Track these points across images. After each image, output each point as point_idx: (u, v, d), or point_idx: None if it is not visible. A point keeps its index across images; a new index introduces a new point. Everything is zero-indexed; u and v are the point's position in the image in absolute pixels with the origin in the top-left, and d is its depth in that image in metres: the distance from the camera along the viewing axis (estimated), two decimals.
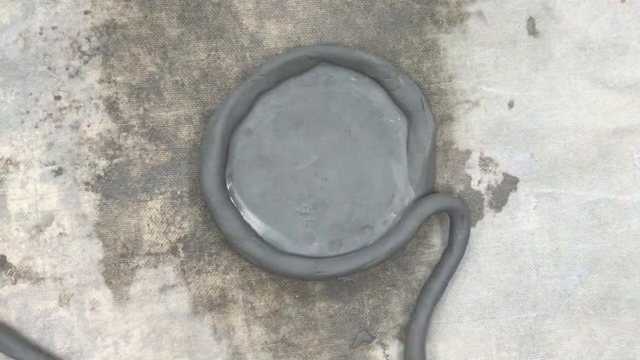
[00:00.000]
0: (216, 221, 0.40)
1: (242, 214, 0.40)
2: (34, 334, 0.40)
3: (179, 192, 0.41)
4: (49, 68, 0.40)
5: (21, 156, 0.41)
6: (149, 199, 0.41)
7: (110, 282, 0.41)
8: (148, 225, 0.41)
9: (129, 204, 0.41)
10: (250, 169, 0.40)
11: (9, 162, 0.41)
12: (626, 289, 0.42)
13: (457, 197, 0.41)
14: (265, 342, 0.41)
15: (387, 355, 0.42)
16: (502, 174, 0.42)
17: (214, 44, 0.41)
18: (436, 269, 0.41)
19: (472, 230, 0.42)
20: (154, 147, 0.41)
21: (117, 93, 0.41)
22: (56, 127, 0.41)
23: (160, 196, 0.41)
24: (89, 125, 0.41)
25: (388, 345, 0.42)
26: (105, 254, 0.41)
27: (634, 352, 0.42)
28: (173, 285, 0.41)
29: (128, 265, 0.41)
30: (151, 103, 0.41)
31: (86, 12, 0.40)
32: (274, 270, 0.40)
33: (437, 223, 0.42)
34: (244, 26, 0.41)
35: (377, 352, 0.42)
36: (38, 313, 0.40)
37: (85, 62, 0.41)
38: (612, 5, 0.42)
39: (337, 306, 0.42)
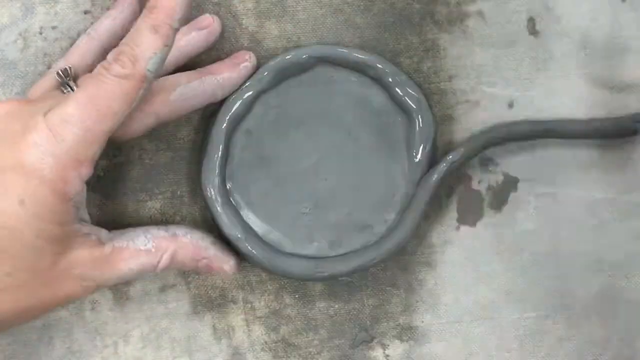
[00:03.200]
0: (216, 221, 0.40)
1: (242, 214, 0.40)
2: (33, 334, 0.40)
3: (178, 192, 0.41)
4: (49, 68, 0.40)
5: None
6: (148, 199, 0.41)
7: None
8: (148, 225, 0.41)
9: (129, 204, 0.41)
10: (250, 169, 0.40)
11: None
12: (626, 289, 0.42)
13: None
14: (265, 342, 0.41)
15: (387, 355, 0.42)
16: (502, 174, 0.42)
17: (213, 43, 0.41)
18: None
19: (473, 230, 0.42)
20: (154, 147, 0.41)
21: None
22: None
23: (160, 196, 0.41)
24: None
25: (388, 345, 0.42)
26: None
27: (634, 352, 0.42)
28: (173, 285, 0.41)
29: None
30: None
31: (86, 12, 0.40)
32: (274, 270, 0.40)
33: (437, 222, 0.42)
34: (243, 26, 0.41)
35: (377, 352, 0.42)
36: None
37: None
38: (612, 5, 0.42)
39: (337, 306, 0.42)
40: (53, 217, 0.33)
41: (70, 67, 0.36)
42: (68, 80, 0.36)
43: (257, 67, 0.40)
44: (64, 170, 0.32)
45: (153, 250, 0.36)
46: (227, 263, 0.39)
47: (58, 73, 0.36)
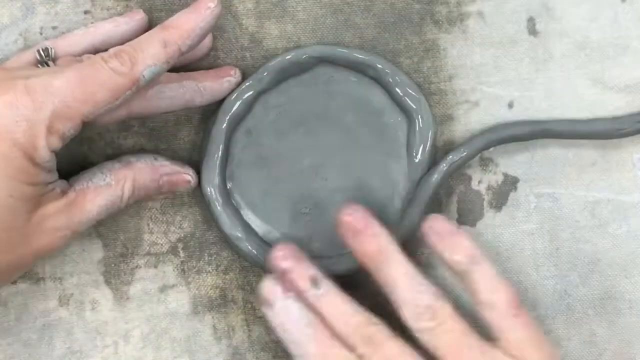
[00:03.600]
0: (216, 221, 0.40)
1: (242, 213, 0.40)
2: (33, 334, 0.40)
3: (178, 192, 0.41)
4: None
5: None
6: (149, 198, 0.41)
7: (110, 282, 0.41)
8: (148, 225, 0.41)
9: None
10: (250, 169, 0.40)
11: None
12: (626, 289, 0.42)
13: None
14: (265, 342, 0.41)
15: None
16: (502, 174, 0.42)
17: (213, 44, 0.41)
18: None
19: (472, 230, 0.42)
20: (154, 147, 0.41)
21: None
22: None
23: (160, 196, 0.41)
24: None
25: None
26: (105, 253, 0.41)
27: (634, 352, 0.42)
28: (173, 285, 0.41)
29: (128, 265, 0.41)
30: None
31: (86, 12, 0.40)
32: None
33: None
34: (244, 26, 0.41)
35: None
36: (38, 313, 0.40)
37: None
38: (612, 5, 0.42)
39: None
40: (25, 178, 0.33)
41: (52, 48, 0.37)
42: (47, 60, 0.37)
43: (242, 80, 0.40)
44: (36, 138, 0.33)
45: (113, 183, 0.37)
46: (186, 173, 0.39)
47: (39, 50, 0.37)
